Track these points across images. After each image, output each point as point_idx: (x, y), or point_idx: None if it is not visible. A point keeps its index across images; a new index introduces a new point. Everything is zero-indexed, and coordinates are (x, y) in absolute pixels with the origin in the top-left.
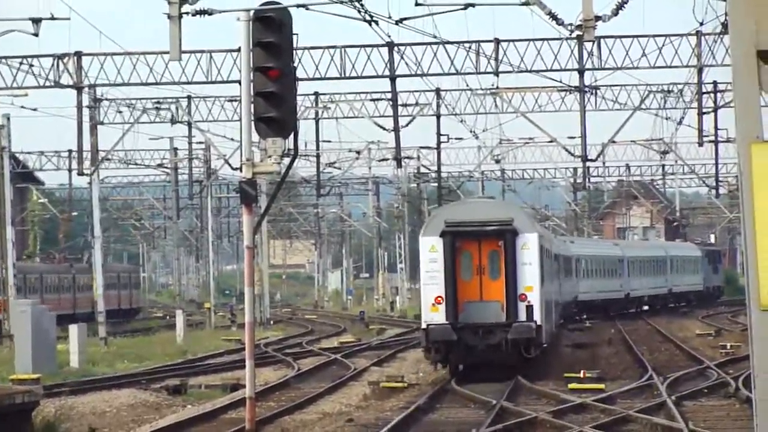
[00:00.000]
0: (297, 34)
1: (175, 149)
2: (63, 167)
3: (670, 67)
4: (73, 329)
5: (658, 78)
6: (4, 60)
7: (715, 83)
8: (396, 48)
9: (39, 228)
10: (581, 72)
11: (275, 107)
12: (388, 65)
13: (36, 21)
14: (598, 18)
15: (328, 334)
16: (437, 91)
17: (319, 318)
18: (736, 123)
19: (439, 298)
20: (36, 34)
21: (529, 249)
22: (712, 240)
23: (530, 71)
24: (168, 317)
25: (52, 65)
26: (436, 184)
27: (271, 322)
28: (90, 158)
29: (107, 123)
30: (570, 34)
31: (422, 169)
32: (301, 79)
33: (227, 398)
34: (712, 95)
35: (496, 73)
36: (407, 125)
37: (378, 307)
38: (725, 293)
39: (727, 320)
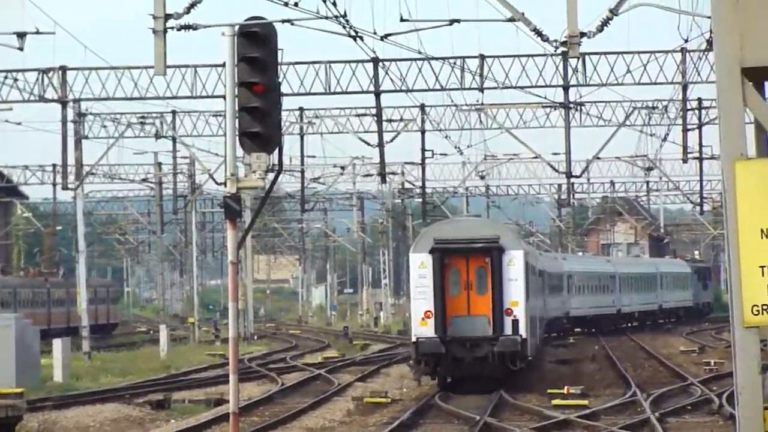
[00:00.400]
0: (282, 50)
1: (160, 164)
2: (47, 181)
3: (655, 83)
4: (57, 343)
5: (643, 94)
6: None
7: (699, 100)
8: (381, 63)
9: (23, 242)
10: (566, 88)
11: (260, 122)
12: (373, 81)
13: (21, 35)
14: (583, 34)
15: (312, 350)
16: (422, 106)
17: (303, 333)
18: (721, 140)
19: (429, 313)
20: (21, 48)
21: (514, 265)
22: (697, 256)
23: (515, 87)
24: (152, 332)
25: (37, 79)
26: (420, 200)
27: (255, 337)
28: (74, 173)
29: (92, 137)
30: (555, 50)
31: (407, 185)
32: (286, 95)
33: (211, 413)
34: (696, 112)
35: (481, 89)
36: (392, 141)
37: (362, 322)
38: (714, 310)
39: (711, 337)
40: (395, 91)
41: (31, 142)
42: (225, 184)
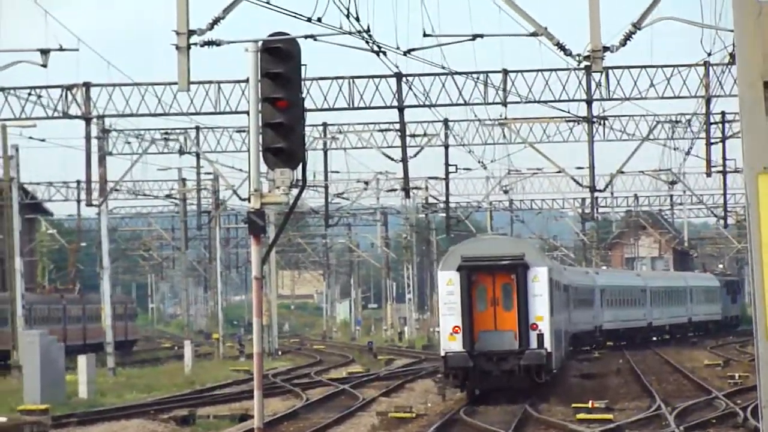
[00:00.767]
0: (305, 65)
1: (184, 180)
2: (72, 198)
3: (679, 97)
4: (82, 360)
5: (667, 108)
6: (12, 91)
7: (723, 113)
8: (404, 78)
9: (48, 259)
10: (589, 102)
11: (283, 138)
12: (397, 96)
13: (44, 52)
14: (606, 48)
15: (337, 365)
16: (445, 121)
17: (328, 348)
18: (743, 154)
19: (457, 328)
20: (44, 65)
21: (539, 281)
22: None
23: (538, 102)
24: (176, 347)
25: (61, 96)
26: (444, 215)
27: (280, 353)
28: (98, 189)
29: (116, 153)
30: (578, 65)
31: (430, 200)
32: (310, 110)
33: (235, 429)
34: (720, 125)
35: (505, 104)
36: (415, 156)
37: (386, 337)
38: (743, 323)
39: (735, 350)
40: (419, 105)
41: (55, 159)
42: (249, 199)
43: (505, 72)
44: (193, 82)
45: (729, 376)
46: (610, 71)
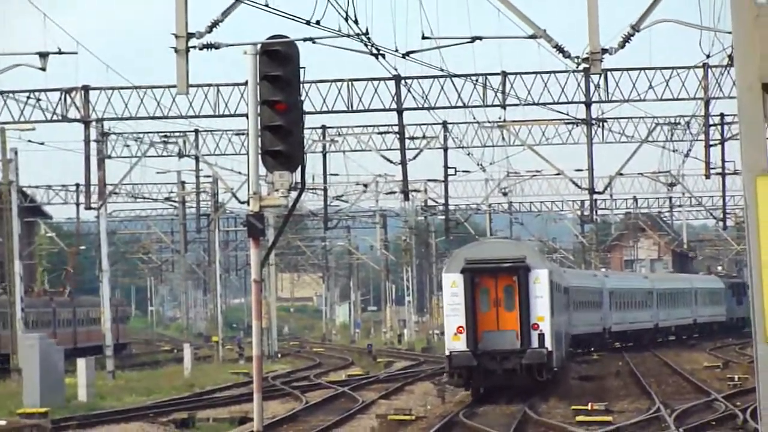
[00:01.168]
0: (304, 68)
1: (183, 183)
2: (71, 201)
3: (677, 99)
4: (81, 363)
5: (665, 110)
6: (11, 94)
7: (722, 115)
8: (403, 81)
9: (47, 262)
10: (588, 104)
11: (282, 140)
12: (395, 98)
13: (43, 55)
14: (604, 51)
15: (336, 367)
16: (444, 124)
17: (327, 351)
18: (742, 155)
19: (461, 328)
20: (43, 69)
21: (540, 283)
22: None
23: (537, 104)
24: (176, 350)
25: (60, 99)
26: (443, 217)
27: (279, 356)
28: (98, 192)
29: (115, 157)
30: (577, 67)
31: (429, 202)
32: (309, 113)
33: None
34: (719, 127)
35: (503, 106)
36: (414, 158)
37: (386, 339)
38: (748, 325)
39: (734, 352)
40: (417, 108)
41: (54, 162)
42: (248, 202)
43: (504, 74)
44: (192, 85)
45: (728, 377)
46: (608, 73)
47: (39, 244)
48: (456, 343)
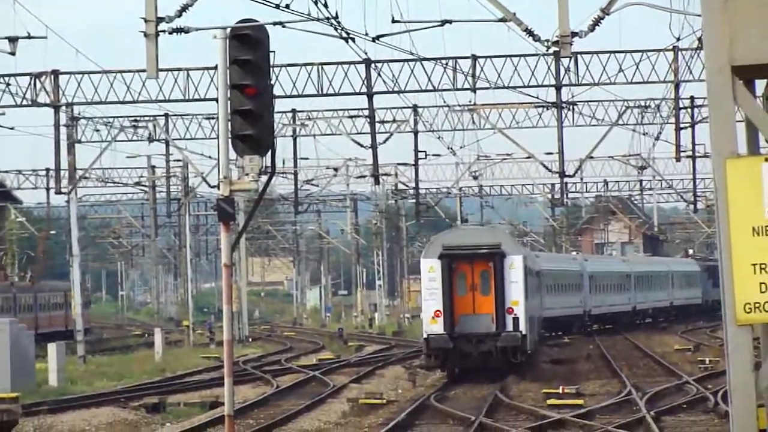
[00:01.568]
0: (274, 52)
1: (153, 167)
2: (41, 186)
3: (648, 82)
4: (52, 347)
5: (636, 93)
6: None
7: (692, 98)
8: (373, 65)
9: (17, 247)
10: (558, 88)
11: (252, 125)
12: (366, 82)
13: (12, 40)
14: (574, 34)
15: (307, 351)
16: (414, 107)
17: (298, 335)
18: (711, 138)
19: (438, 312)
20: (12, 53)
21: (515, 269)
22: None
23: (507, 87)
24: (147, 335)
25: (29, 84)
26: (414, 201)
27: (250, 340)
28: (68, 177)
29: (85, 141)
30: (547, 50)
31: (400, 186)
32: (279, 97)
33: (206, 416)
34: (689, 110)
35: (474, 90)
36: (385, 142)
37: (356, 323)
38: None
39: (705, 335)
40: (388, 92)
41: (24, 147)
42: (218, 186)
43: (474, 58)
44: (161, 70)
45: (699, 360)
46: (579, 56)
47: (9, 229)
48: (433, 326)
